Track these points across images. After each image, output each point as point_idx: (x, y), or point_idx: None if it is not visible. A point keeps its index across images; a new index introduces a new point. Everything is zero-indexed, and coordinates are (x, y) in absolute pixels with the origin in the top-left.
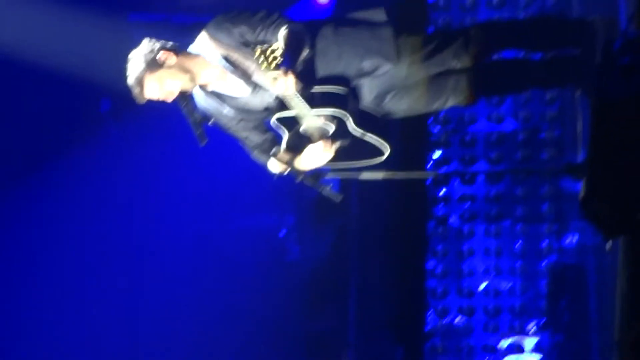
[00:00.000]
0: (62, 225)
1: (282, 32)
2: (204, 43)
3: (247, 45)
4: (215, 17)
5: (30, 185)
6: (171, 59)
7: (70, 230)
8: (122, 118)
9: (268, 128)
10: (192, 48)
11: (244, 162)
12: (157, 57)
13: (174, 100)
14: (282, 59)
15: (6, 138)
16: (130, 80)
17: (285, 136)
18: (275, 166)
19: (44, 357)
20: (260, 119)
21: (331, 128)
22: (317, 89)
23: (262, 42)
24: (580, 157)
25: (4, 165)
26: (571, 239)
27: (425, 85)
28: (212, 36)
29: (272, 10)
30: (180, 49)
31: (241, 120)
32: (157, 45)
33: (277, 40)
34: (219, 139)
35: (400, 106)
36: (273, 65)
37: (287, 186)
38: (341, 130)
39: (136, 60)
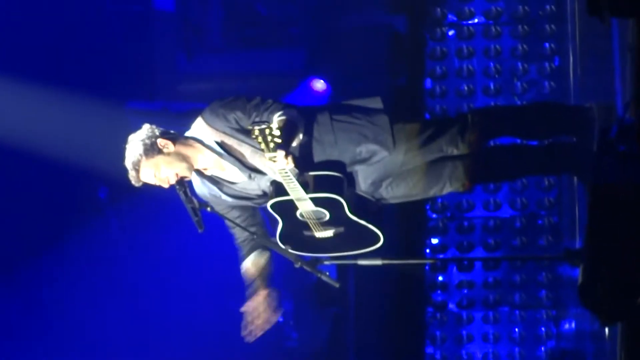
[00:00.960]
0: (61, 314)
1: (277, 117)
2: (200, 129)
3: (243, 132)
4: (210, 104)
5: (30, 273)
6: (169, 146)
7: (67, 318)
8: (120, 205)
9: (261, 222)
10: (188, 134)
11: None
12: (156, 144)
13: (172, 186)
14: (280, 140)
15: (6, 226)
16: (127, 162)
17: (280, 223)
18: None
19: None
20: (253, 209)
21: (327, 214)
22: (312, 173)
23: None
24: (578, 243)
25: (3, 253)
26: (569, 325)
27: (422, 172)
28: (208, 122)
29: (266, 97)
30: (178, 137)
31: (234, 208)
32: (157, 132)
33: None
34: (218, 225)
35: (396, 193)
36: (271, 145)
37: (285, 272)
38: (337, 216)
39: (134, 144)
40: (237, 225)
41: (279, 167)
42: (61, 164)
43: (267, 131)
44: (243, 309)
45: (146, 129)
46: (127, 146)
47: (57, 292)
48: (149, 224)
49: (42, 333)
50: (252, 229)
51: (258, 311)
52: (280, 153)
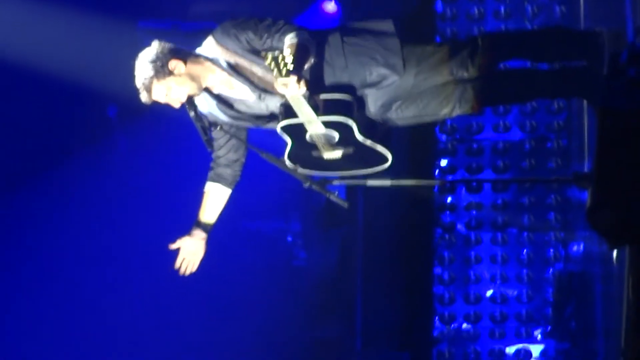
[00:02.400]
0: (70, 230)
1: (289, 39)
2: (211, 48)
3: (254, 52)
4: (222, 23)
5: (37, 190)
6: (180, 67)
7: (77, 235)
8: (129, 123)
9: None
10: (199, 52)
11: (253, 167)
12: (167, 66)
13: (182, 105)
14: (293, 66)
15: (13, 143)
16: (138, 83)
17: (289, 144)
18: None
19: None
20: (246, 133)
21: (336, 136)
22: (323, 96)
23: (269, 49)
24: (586, 166)
25: (10, 170)
26: (577, 248)
27: (432, 95)
28: (219, 42)
29: (278, 18)
30: (188, 55)
31: (230, 128)
32: (167, 50)
33: (283, 48)
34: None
35: (406, 115)
36: (284, 71)
37: (294, 192)
38: (346, 138)
39: (145, 65)
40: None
41: (290, 93)
42: (71, 83)
43: (280, 58)
44: (177, 244)
45: (156, 47)
46: (137, 65)
47: (64, 211)
48: (158, 143)
49: (47, 247)
50: (239, 153)
51: (193, 251)
52: (293, 79)
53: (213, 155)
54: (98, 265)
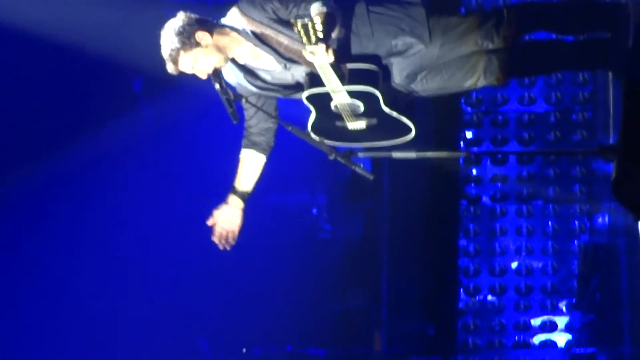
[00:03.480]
0: (96, 201)
1: (315, 8)
2: (235, 19)
3: (279, 22)
4: None
5: (62, 162)
6: (207, 38)
7: (102, 206)
8: (155, 97)
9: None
10: (224, 22)
11: (279, 139)
12: (193, 37)
13: (207, 77)
14: (322, 34)
15: (38, 116)
16: (164, 54)
17: (313, 114)
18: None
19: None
20: (276, 102)
21: (362, 106)
22: (349, 65)
23: (296, 18)
24: (611, 138)
25: (37, 141)
26: (602, 220)
27: (457, 66)
28: (244, 13)
29: None
30: (214, 26)
31: (259, 98)
32: (193, 21)
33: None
34: None
35: (431, 86)
36: (313, 39)
37: (320, 164)
38: (371, 108)
39: (171, 36)
40: (247, 105)
41: (319, 61)
42: (96, 56)
43: (310, 25)
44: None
45: (182, 18)
46: (163, 37)
47: (89, 181)
48: (184, 115)
49: (73, 214)
50: (270, 121)
51: (231, 220)
52: (322, 47)
53: (245, 125)
54: (121, 233)
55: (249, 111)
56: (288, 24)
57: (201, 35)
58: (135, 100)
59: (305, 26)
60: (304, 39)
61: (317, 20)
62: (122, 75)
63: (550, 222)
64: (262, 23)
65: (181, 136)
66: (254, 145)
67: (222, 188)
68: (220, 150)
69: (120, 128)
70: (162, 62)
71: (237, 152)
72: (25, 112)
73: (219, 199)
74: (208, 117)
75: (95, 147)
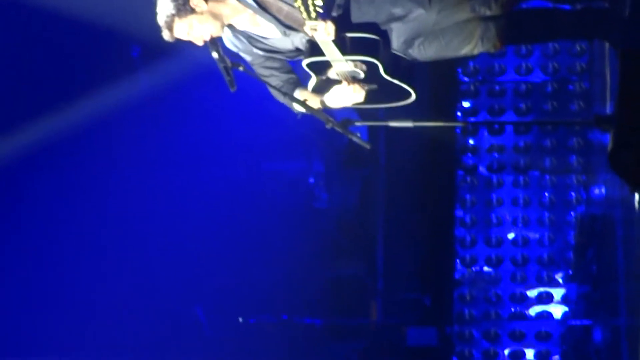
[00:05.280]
0: (91, 168)
1: None
2: None
3: None
4: None
5: (60, 127)
6: (202, 5)
7: (101, 173)
8: (152, 63)
9: (292, 68)
10: None
11: (276, 109)
12: (188, 3)
13: (204, 44)
14: (322, 9)
15: (35, 83)
16: (160, 20)
17: (313, 80)
18: (299, 107)
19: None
20: (287, 59)
21: (362, 73)
22: (350, 35)
23: None
24: (608, 109)
25: (35, 105)
26: (599, 191)
27: (454, 32)
28: None
29: None
30: None
31: (267, 59)
32: None
33: None
34: (250, 85)
35: (428, 52)
36: (313, 15)
37: (316, 133)
38: (371, 75)
39: (166, 2)
40: (261, 71)
41: (319, 37)
42: (93, 23)
43: (310, 1)
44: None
45: None
46: (159, 3)
47: (87, 150)
48: (180, 82)
49: (71, 184)
50: (290, 75)
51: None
52: (321, 24)
53: (272, 87)
54: (118, 210)
55: (263, 74)
56: None
57: (196, 1)
58: (133, 67)
59: (305, 2)
60: (304, 14)
61: None
62: (120, 43)
63: (546, 193)
64: None
65: (178, 104)
66: (294, 89)
67: (219, 155)
68: (217, 117)
69: (118, 95)
70: (159, 30)
71: (235, 120)
72: (23, 79)
73: (216, 166)
74: (206, 85)
75: (93, 113)
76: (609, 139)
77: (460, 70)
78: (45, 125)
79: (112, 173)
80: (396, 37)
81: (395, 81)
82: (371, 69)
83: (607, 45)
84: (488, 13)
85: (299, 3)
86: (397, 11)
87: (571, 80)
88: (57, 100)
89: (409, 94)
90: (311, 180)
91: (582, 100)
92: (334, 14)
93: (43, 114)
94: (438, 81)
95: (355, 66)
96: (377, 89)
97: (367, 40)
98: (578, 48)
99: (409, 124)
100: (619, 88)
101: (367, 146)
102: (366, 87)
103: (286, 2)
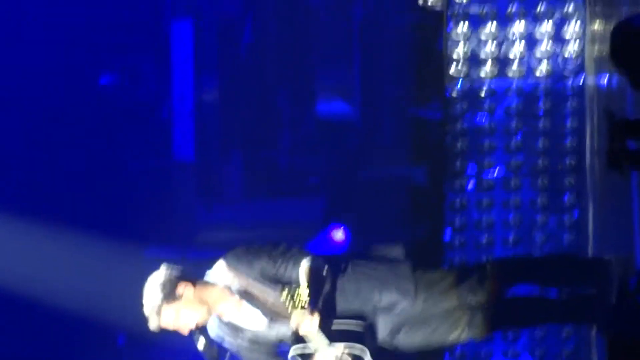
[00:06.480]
0: None
1: (303, 267)
2: (221, 273)
3: (266, 279)
4: (234, 248)
5: None
6: (189, 291)
7: None
8: (139, 351)
9: (279, 354)
10: (209, 276)
11: None
12: (175, 289)
13: (190, 333)
14: (307, 300)
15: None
16: (147, 308)
17: None
18: None
19: None
20: (273, 347)
21: None
22: (335, 326)
23: (282, 276)
24: None
25: None
26: None
27: (440, 320)
28: (232, 267)
29: (291, 244)
30: (197, 280)
31: (253, 350)
32: (175, 274)
33: (297, 275)
34: None
35: (414, 340)
36: (299, 307)
37: None
38: None
39: (153, 290)
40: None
41: (305, 329)
42: (79, 312)
43: (296, 294)
44: None
45: (164, 271)
46: (146, 290)
47: None
48: None
49: None
50: None
51: None
52: (308, 316)
53: None
54: None
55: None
56: (274, 281)
57: (183, 287)
58: (119, 355)
59: (291, 295)
60: (290, 308)
61: (303, 289)
62: (106, 331)
63: None
64: (249, 279)
65: None
66: None
67: None
68: None
69: None
70: (145, 319)
71: None
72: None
73: None
74: None
75: None
76: None
77: (447, 354)
78: None
79: None
80: (383, 327)
81: None
82: (356, 358)
83: (593, 331)
84: (474, 301)
85: (284, 296)
86: (382, 303)
87: None
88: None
89: None
90: None
91: None
92: (320, 305)
93: None
94: None
95: (342, 355)
96: None
97: (351, 331)
98: (565, 333)
99: None
100: None
101: None
102: None
103: (272, 292)
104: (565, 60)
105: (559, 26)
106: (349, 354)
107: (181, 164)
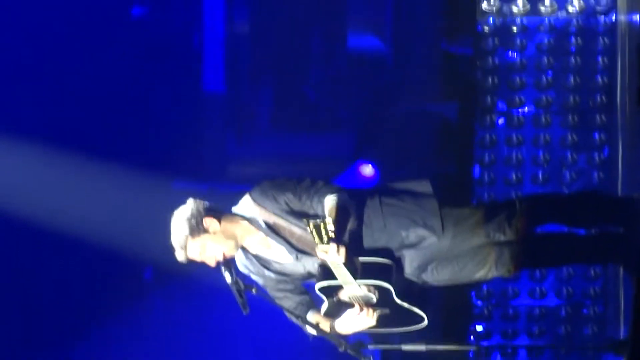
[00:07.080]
0: None
1: (329, 201)
2: (247, 207)
3: (292, 213)
4: (260, 183)
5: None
6: (215, 225)
7: None
8: (166, 285)
9: (306, 289)
10: (235, 210)
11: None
12: (201, 223)
13: (217, 265)
14: (334, 233)
15: (52, 309)
16: (174, 241)
17: (326, 303)
18: (312, 329)
19: None
20: (300, 281)
21: (374, 297)
22: (362, 259)
23: (308, 210)
24: (622, 333)
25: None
26: None
27: (468, 257)
28: (257, 202)
29: (316, 178)
30: (223, 214)
31: (279, 282)
32: (202, 208)
33: (322, 209)
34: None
35: (442, 276)
36: (325, 239)
37: (328, 355)
38: (384, 300)
39: (180, 222)
40: (274, 293)
41: (331, 260)
42: (106, 244)
43: (322, 225)
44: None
45: (191, 205)
46: (173, 223)
47: None
48: (194, 305)
49: None
50: (303, 296)
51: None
52: (334, 247)
53: (288, 315)
54: None
55: (277, 295)
56: (300, 215)
57: (209, 222)
58: (146, 288)
59: (317, 227)
60: (316, 239)
61: (329, 221)
62: (134, 264)
63: None
64: (274, 213)
65: (191, 327)
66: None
67: None
68: (229, 337)
69: (131, 317)
70: (172, 251)
71: (247, 340)
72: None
73: None
74: (218, 307)
75: (106, 335)
76: None
77: (473, 293)
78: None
79: None
80: (409, 263)
81: (407, 305)
82: (383, 293)
83: (621, 270)
84: (502, 238)
85: (311, 228)
86: (410, 239)
87: (585, 304)
88: (69, 331)
89: (422, 319)
90: None
91: (596, 325)
92: (346, 239)
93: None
94: (451, 304)
95: (368, 290)
96: (389, 314)
97: (379, 265)
98: (592, 272)
99: (421, 347)
100: (633, 313)
101: None
102: (378, 312)
103: (299, 226)
104: None
105: None
106: (376, 288)
107: (211, 95)
